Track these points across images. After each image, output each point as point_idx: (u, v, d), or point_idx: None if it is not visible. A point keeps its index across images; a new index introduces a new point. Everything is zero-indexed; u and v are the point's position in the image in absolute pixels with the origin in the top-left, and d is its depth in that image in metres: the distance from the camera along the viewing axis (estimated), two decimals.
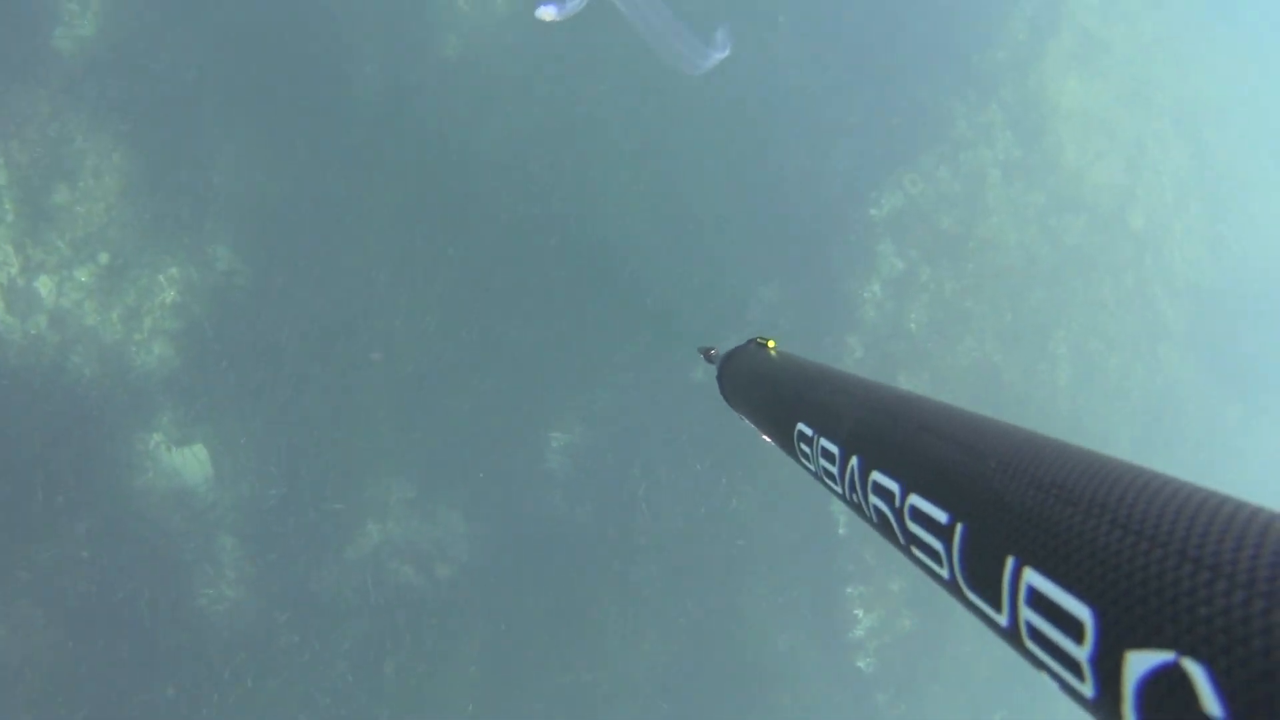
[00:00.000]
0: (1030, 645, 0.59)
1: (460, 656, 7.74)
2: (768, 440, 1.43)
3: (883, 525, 0.89)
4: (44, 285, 7.84)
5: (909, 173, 9.35)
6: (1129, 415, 10.81)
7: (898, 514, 0.82)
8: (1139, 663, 0.46)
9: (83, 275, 7.94)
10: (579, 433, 8.48)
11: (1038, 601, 0.57)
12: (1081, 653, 0.52)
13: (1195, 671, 0.43)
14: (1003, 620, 0.63)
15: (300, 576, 7.65)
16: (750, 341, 1.69)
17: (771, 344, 1.62)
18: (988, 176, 9.65)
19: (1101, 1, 10.67)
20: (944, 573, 0.73)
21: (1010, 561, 0.61)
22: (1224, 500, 0.50)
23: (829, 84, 9.30)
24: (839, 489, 1.06)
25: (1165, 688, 0.45)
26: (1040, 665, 0.59)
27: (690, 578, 8.23)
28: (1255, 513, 0.48)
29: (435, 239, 7.96)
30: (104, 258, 7.98)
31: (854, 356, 9.19)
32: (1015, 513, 0.62)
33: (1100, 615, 0.50)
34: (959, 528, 0.70)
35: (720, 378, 1.78)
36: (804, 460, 1.21)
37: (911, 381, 9.26)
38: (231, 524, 7.68)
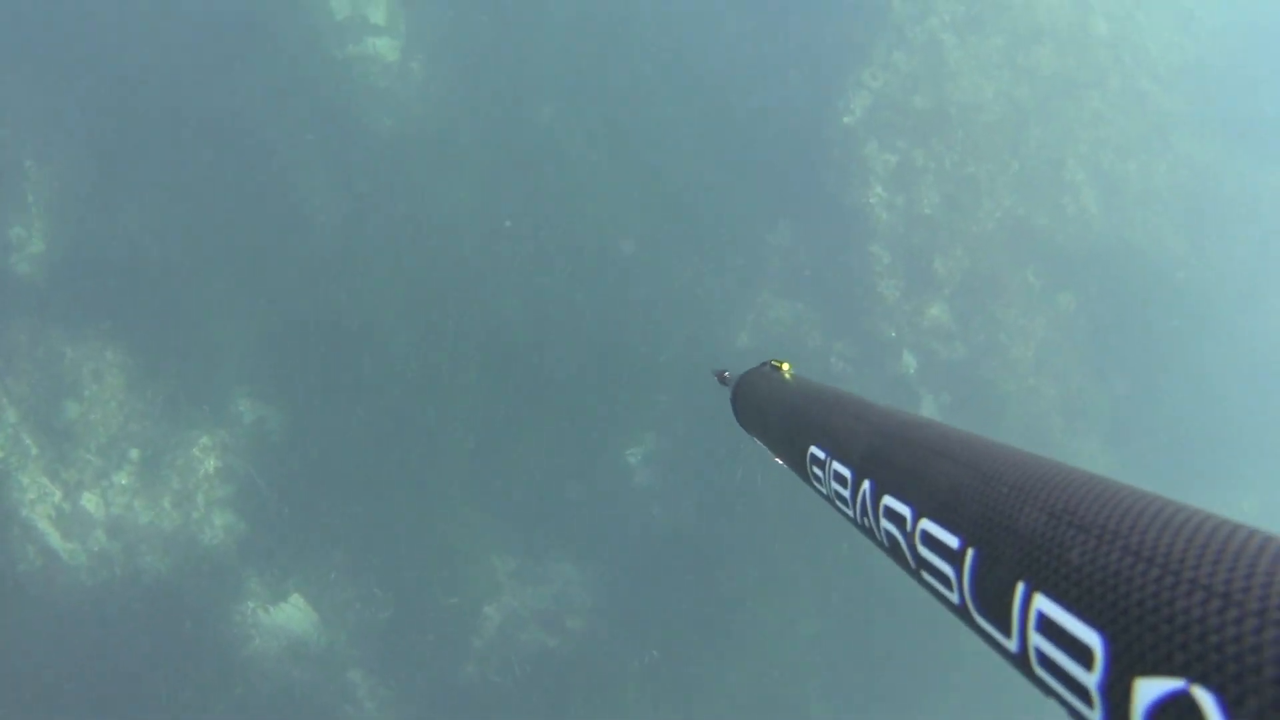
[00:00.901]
0: (1039, 671, 0.59)
1: (621, 692, 7.47)
2: (780, 463, 1.44)
3: (894, 550, 0.89)
4: (90, 502, 7.71)
5: (865, 69, 9.06)
6: (1168, 215, 10.41)
7: (909, 538, 0.83)
8: (1148, 690, 0.46)
9: (122, 478, 7.80)
10: (654, 441, 8.22)
11: (1047, 627, 0.57)
12: (1091, 679, 0.52)
13: (1205, 699, 0.43)
14: (1012, 646, 0.63)
15: (438, 680, 7.43)
16: (764, 364, 1.70)
17: (786, 366, 1.63)
18: (942, 42, 9.33)
19: None
20: (954, 598, 0.73)
21: (1021, 587, 0.61)
22: (1236, 528, 0.50)
23: (759, 24, 9.08)
24: (850, 512, 1.06)
25: (1175, 715, 0.45)
26: (1049, 692, 0.59)
27: (828, 560, 7.92)
28: (1267, 540, 0.47)
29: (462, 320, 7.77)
30: (135, 454, 7.83)
31: (883, 263, 8.88)
32: (1026, 538, 0.63)
33: (1110, 642, 0.51)
34: (970, 553, 0.70)
35: (734, 400, 1.77)
36: (816, 483, 1.22)
37: (948, 260, 8.93)
38: (354, 658, 7.47)
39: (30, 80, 7.85)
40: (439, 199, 8.02)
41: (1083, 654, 0.52)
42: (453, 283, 7.80)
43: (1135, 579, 0.50)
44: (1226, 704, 0.41)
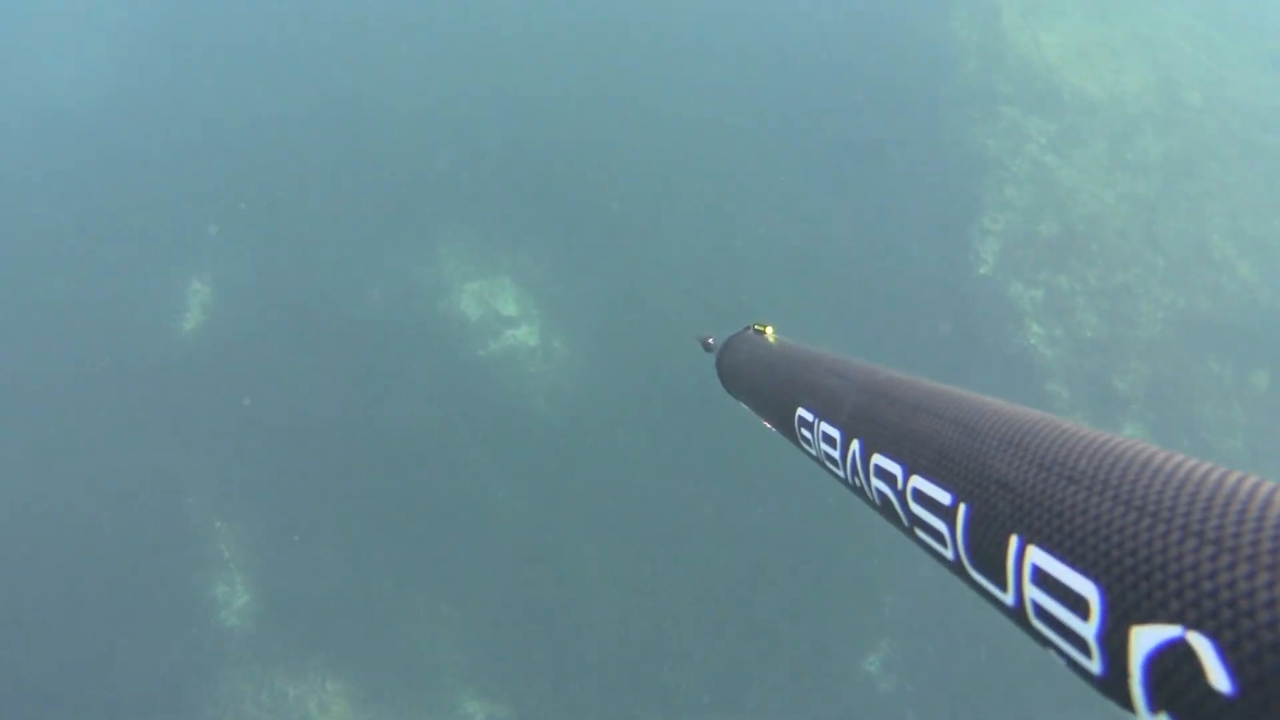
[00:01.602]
0: (1036, 623, 0.59)
1: None
2: (769, 427, 1.40)
3: (885, 508, 0.89)
4: None
5: (984, 215, 9.03)
6: None
7: (900, 496, 0.83)
8: (1146, 638, 0.46)
9: None
10: (889, 645, 7.75)
11: (1043, 579, 0.57)
12: (1088, 629, 0.52)
13: (1202, 646, 0.43)
14: (1008, 599, 0.63)
15: None
16: (747, 328, 1.65)
17: (769, 330, 1.58)
18: (1046, 165, 9.30)
19: None
20: (948, 554, 0.73)
21: (1014, 540, 0.61)
22: (1226, 473, 0.49)
23: (869, 201, 9.25)
24: (841, 473, 1.04)
25: (1172, 662, 0.45)
26: (1046, 643, 0.59)
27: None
28: (1258, 485, 0.47)
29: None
30: None
31: (1063, 399, 8.50)
32: (1018, 492, 0.63)
33: (1106, 591, 0.50)
34: (962, 508, 0.70)
35: (719, 365, 1.74)
36: (805, 445, 1.19)
37: (1126, 376, 8.49)
38: None
39: (209, 449, 8.42)
40: (611, 475, 8.11)
41: (1079, 605, 0.52)
42: (659, 541, 7.75)
43: (1128, 528, 0.50)
44: (1223, 649, 0.41)
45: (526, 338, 8.85)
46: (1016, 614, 0.63)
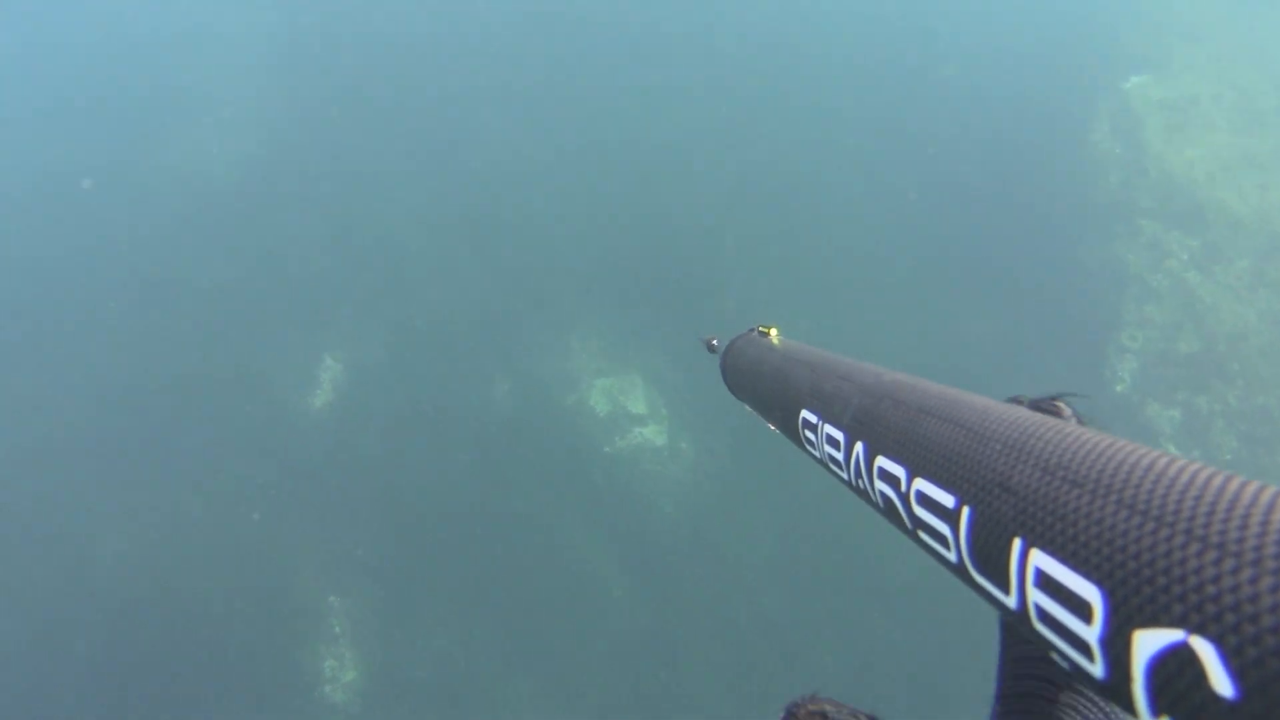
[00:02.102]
0: (1039, 627, 0.59)
1: None
2: (773, 429, 1.40)
3: (889, 511, 0.87)
4: None
5: (1121, 332, 9.19)
6: None
7: (904, 499, 0.82)
8: (1148, 642, 0.47)
9: None
10: None
11: (1046, 583, 0.57)
12: (1091, 633, 0.52)
13: (1205, 649, 0.43)
14: (1011, 602, 0.62)
15: None
16: (752, 330, 1.65)
17: (773, 331, 1.57)
18: (1187, 282, 9.39)
19: (1153, 69, 10.81)
20: (951, 556, 0.72)
21: (1018, 543, 0.61)
22: (1229, 478, 0.50)
23: (1005, 326, 9.51)
24: (845, 475, 1.03)
25: (1175, 666, 0.45)
26: (1049, 647, 0.59)
27: None
28: (1260, 490, 0.47)
29: None
30: None
31: None
32: (1021, 495, 0.62)
33: (1109, 595, 0.50)
34: (966, 511, 0.69)
35: (724, 367, 1.74)
36: (809, 447, 1.18)
37: None
38: None
39: (329, 523, 8.71)
40: (732, 579, 8.42)
41: (1082, 608, 0.53)
42: (775, 654, 8.10)
43: (1131, 532, 0.51)
44: (1225, 653, 0.42)
45: (654, 436, 9.28)
46: (1020, 617, 0.63)
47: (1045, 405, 0.87)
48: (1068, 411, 0.84)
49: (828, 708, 0.78)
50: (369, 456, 9.04)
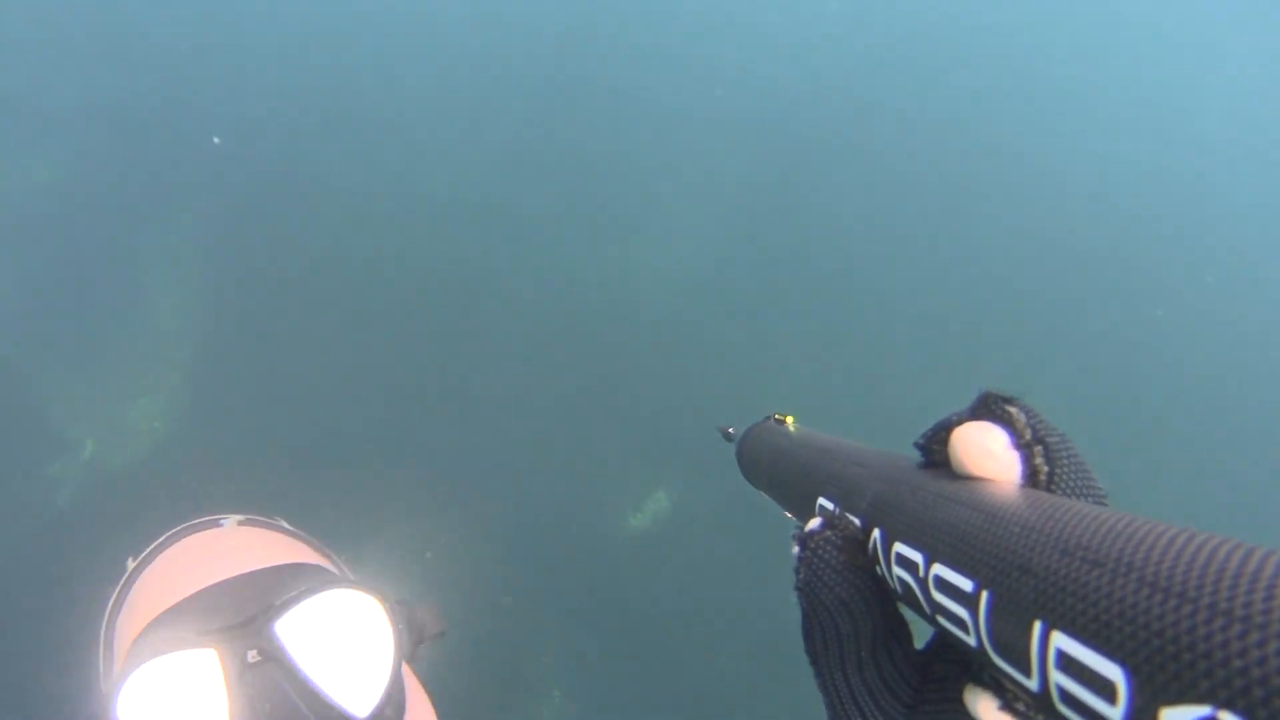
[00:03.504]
0: (1062, 708, 0.52)
1: None
2: (790, 517, 1.23)
3: (908, 597, 0.80)
4: None
5: None
6: None
7: (922, 584, 0.73)
8: (1175, 719, 0.42)
9: None
10: None
11: (1068, 664, 0.51)
12: (1115, 713, 0.46)
13: None
14: (1033, 685, 0.56)
15: None
16: (768, 417, 1.53)
17: (790, 419, 1.47)
18: None
19: None
20: (971, 640, 0.65)
21: (1038, 626, 0.55)
22: (1251, 549, 0.45)
23: None
24: None
25: None
26: None
27: None
28: None
29: None
30: None
31: None
32: (1041, 577, 0.56)
33: (1132, 674, 0.45)
34: (984, 595, 0.62)
35: (739, 455, 1.60)
36: None
37: None
38: None
39: None
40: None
41: (1105, 688, 0.48)
42: None
43: (1153, 609, 0.47)
44: None
45: None
46: (1041, 700, 0.61)
47: (998, 410, 0.71)
48: (1022, 420, 0.68)
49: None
50: None
